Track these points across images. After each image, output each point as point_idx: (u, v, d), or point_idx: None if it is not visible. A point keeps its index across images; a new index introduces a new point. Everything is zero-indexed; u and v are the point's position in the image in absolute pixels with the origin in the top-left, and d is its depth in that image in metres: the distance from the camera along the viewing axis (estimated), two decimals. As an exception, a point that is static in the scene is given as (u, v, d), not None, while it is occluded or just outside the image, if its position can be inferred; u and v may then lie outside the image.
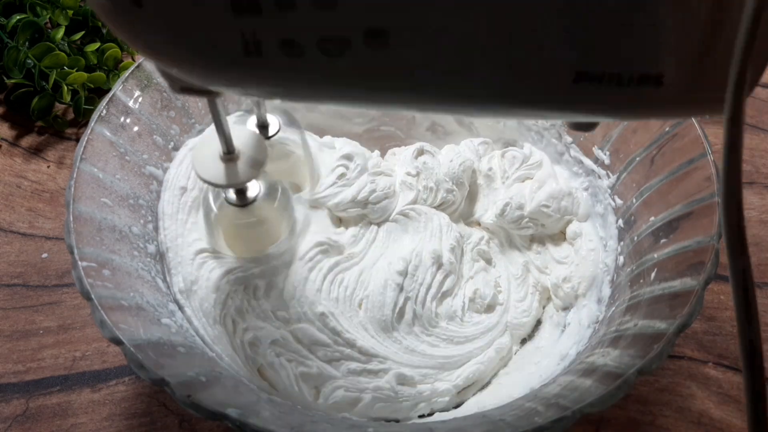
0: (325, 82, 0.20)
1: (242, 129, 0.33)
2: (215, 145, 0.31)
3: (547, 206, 0.44)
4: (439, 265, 0.41)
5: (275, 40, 0.19)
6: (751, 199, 0.52)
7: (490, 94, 0.20)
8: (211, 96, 0.26)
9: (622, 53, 0.18)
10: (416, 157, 0.46)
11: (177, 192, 0.39)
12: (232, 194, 0.35)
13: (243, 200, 0.35)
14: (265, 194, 0.35)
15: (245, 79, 0.21)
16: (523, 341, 0.43)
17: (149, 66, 0.40)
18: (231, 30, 0.19)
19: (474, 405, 0.38)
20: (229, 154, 0.31)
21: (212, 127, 0.31)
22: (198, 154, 0.32)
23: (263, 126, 0.37)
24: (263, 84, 0.22)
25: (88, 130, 0.36)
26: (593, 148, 0.44)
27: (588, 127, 0.25)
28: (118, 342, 0.28)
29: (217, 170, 0.31)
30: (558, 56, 0.18)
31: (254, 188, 0.35)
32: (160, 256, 0.38)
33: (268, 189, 0.36)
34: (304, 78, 0.20)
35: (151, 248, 0.37)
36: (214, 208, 0.36)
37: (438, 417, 0.37)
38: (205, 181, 0.31)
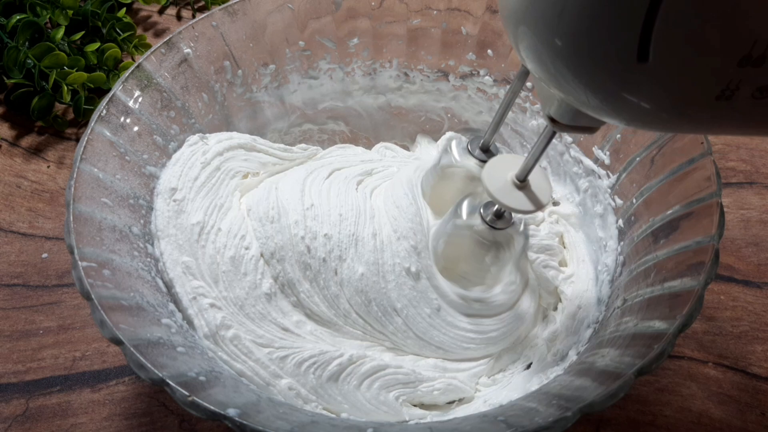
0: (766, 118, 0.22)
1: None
2: (508, 171, 0.34)
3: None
4: None
5: (754, 86, 0.20)
6: (751, 199, 0.52)
7: None
8: (591, 132, 0.29)
9: None
10: None
11: (167, 195, 0.39)
12: (491, 213, 0.38)
13: (498, 223, 0.38)
14: (514, 229, 0.38)
15: (703, 122, 0.23)
16: None
17: (149, 66, 0.40)
18: (722, 79, 0.20)
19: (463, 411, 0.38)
20: (523, 181, 0.34)
21: (507, 155, 0.36)
22: (490, 177, 0.34)
23: (486, 150, 0.40)
24: (719, 125, 0.23)
25: (88, 130, 0.36)
26: (593, 148, 0.44)
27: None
28: (118, 342, 0.28)
29: (514, 195, 0.34)
30: None
31: (508, 218, 0.38)
32: (167, 287, 0.37)
33: (516, 228, 0.39)
34: (757, 116, 0.22)
35: (151, 248, 0.37)
36: (464, 217, 0.39)
37: (438, 417, 0.37)
38: (499, 202, 0.34)
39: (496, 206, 0.37)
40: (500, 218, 0.37)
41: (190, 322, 0.36)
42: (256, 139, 0.46)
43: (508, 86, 0.44)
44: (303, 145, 0.48)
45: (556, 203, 0.48)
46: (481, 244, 0.39)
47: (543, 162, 0.48)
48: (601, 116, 0.25)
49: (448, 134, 0.48)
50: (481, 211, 0.38)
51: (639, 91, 0.21)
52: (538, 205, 0.34)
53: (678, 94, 0.21)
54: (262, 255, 0.39)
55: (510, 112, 0.49)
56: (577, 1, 0.20)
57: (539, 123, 0.47)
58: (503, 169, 0.34)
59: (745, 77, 0.20)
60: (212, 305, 0.36)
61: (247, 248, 0.39)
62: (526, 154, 0.33)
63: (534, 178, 0.34)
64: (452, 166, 0.42)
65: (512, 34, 0.24)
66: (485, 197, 0.38)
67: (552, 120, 0.28)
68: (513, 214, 0.38)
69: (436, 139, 0.52)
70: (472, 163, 0.41)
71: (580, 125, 0.27)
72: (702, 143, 0.36)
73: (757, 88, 0.20)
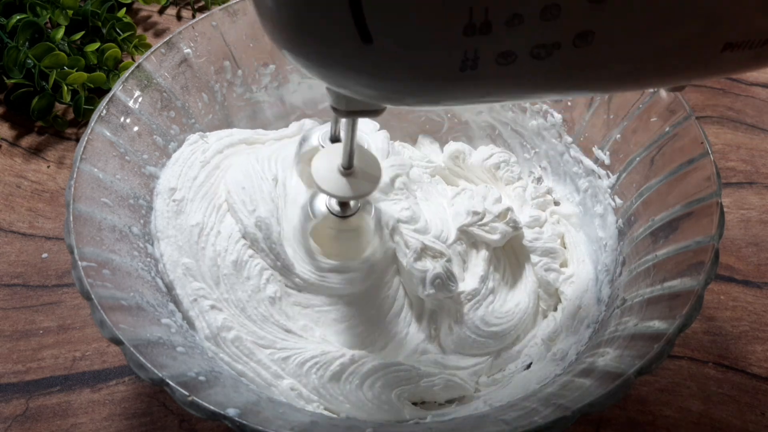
0: (527, 83, 0.22)
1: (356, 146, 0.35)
2: (334, 160, 0.34)
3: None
4: None
5: (494, 54, 0.20)
6: (751, 199, 0.52)
7: (662, 68, 0.23)
8: (375, 115, 0.28)
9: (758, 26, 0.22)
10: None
11: (166, 196, 0.39)
12: (335, 205, 0.37)
13: (345, 211, 0.37)
14: (361, 207, 0.38)
15: (454, 93, 0.23)
16: None
17: (149, 66, 0.40)
18: (455, 50, 0.20)
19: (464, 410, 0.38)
20: (349, 168, 0.34)
21: (332, 145, 0.35)
22: (317, 168, 0.34)
23: (336, 140, 0.39)
24: (471, 94, 0.23)
25: (88, 130, 0.36)
26: (593, 148, 0.44)
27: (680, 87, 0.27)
28: (118, 342, 0.28)
29: (339, 183, 0.34)
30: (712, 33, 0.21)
31: (354, 201, 0.37)
32: (167, 288, 0.37)
33: (363, 203, 0.38)
34: (510, 83, 0.22)
35: (151, 248, 0.37)
36: (313, 217, 0.38)
37: (438, 417, 0.37)
38: (329, 194, 0.34)
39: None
40: (346, 206, 0.37)
41: (191, 324, 0.36)
42: (258, 131, 0.46)
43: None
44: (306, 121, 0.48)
45: (556, 203, 0.48)
46: (338, 233, 0.39)
47: (543, 162, 0.48)
48: (364, 99, 0.25)
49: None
50: (327, 203, 0.38)
51: (381, 73, 0.21)
52: (364, 191, 0.34)
53: (419, 71, 0.21)
54: (243, 237, 0.39)
55: (510, 112, 0.49)
56: None
57: (539, 123, 0.47)
58: (332, 159, 0.34)
59: (479, 45, 0.20)
60: (213, 307, 0.36)
61: (251, 256, 0.39)
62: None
63: (363, 166, 0.34)
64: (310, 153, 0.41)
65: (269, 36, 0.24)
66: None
67: (333, 108, 0.28)
68: (358, 203, 0.38)
69: (436, 139, 0.52)
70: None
71: (358, 109, 0.27)
72: (702, 143, 0.36)
73: (498, 54, 0.20)
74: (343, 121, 0.31)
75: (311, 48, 0.21)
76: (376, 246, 0.40)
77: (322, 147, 0.39)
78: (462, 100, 0.26)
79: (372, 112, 0.28)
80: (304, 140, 0.40)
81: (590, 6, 0.19)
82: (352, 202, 0.37)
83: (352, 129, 0.31)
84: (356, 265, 0.39)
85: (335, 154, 0.34)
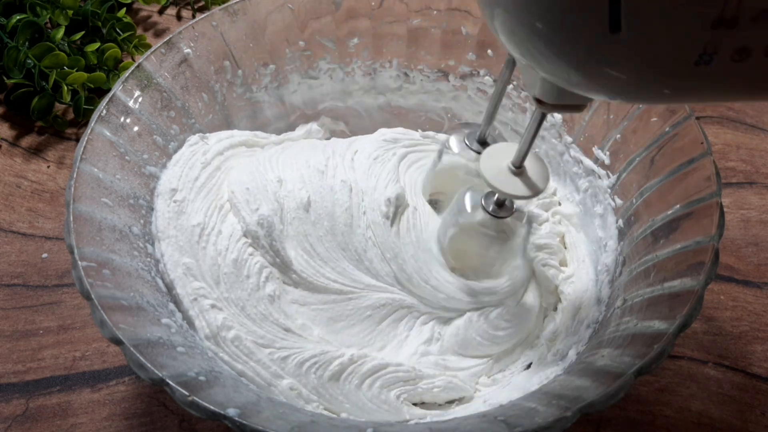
0: (759, 82, 0.22)
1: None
2: (503, 159, 0.34)
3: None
4: None
5: (731, 49, 0.20)
6: (751, 199, 0.52)
7: None
8: (579, 111, 0.28)
9: None
10: None
11: (167, 197, 0.39)
12: (492, 203, 0.37)
13: (501, 212, 0.38)
14: (517, 217, 0.38)
15: (683, 89, 0.22)
16: None
17: (149, 66, 0.40)
18: (697, 43, 0.20)
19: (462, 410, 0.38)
20: (519, 168, 0.34)
21: (501, 144, 0.36)
22: (487, 167, 0.34)
23: (484, 142, 0.40)
24: (700, 91, 0.23)
25: (88, 130, 0.36)
26: (593, 148, 0.44)
27: None
28: (118, 342, 0.28)
29: (512, 182, 0.34)
30: None
31: (510, 207, 0.38)
32: (167, 289, 0.37)
33: (519, 216, 0.38)
34: (739, 81, 0.22)
35: (151, 248, 0.37)
36: (468, 209, 0.38)
37: (438, 417, 0.37)
38: (496, 189, 0.34)
39: (497, 195, 0.37)
40: (502, 207, 0.38)
41: (191, 323, 0.36)
42: (257, 134, 0.46)
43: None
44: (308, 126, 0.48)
45: (557, 203, 0.48)
46: (485, 236, 0.39)
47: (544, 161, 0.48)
48: (583, 91, 0.25)
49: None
50: (483, 201, 0.38)
51: (616, 63, 0.21)
52: (536, 191, 0.34)
53: (656, 63, 0.21)
54: (244, 234, 0.39)
55: (510, 113, 0.49)
56: None
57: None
58: (500, 157, 0.34)
59: (721, 40, 0.19)
60: (213, 306, 0.36)
61: (251, 254, 0.39)
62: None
63: (531, 165, 0.34)
64: (453, 162, 0.42)
65: (489, 17, 0.24)
66: (485, 188, 0.38)
67: (538, 101, 0.28)
68: (515, 203, 0.38)
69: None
70: (471, 156, 0.42)
71: (566, 103, 0.28)
72: (702, 143, 0.36)
73: (735, 50, 0.20)
74: (530, 116, 0.32)
75: (560, 34, 0.21)
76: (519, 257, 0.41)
77: (456, 154, 0.40)
78: (688, 96, 0.26)
79: (576, 107, 0.28)
80: (443, 152, 0.41)
81: None
82: (508, 203, 0.38)
83: (537, 126, 0.31)
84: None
85: (504, 152, 0.34)
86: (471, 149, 0.41)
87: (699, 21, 0.19)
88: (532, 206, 0.46)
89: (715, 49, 0.20)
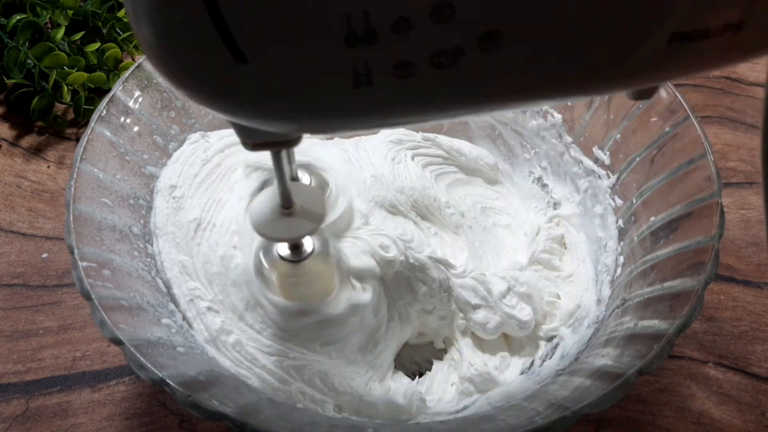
0: (435, 97, 0.20)
1: (296, 183, 0.32)
2: (272, 200, 0.31)
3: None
4: None
5: (388, 65, 0.18)
6: (751, 199, 0.52)
7: (594, 72, 0.20)
8: (287, 147, 0.25)
9: (711, 11, 0.19)
10: None
11: (166, 193, 0.39)
12: (286, 249, 0.34)
13: (298, 255, 0.34)
14: (319, 249, 0.34)
15: (352, 114, 0.21)
16: None
17: (149, 66, 0.40)
18: (343, 64, 0.18)
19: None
20: (288, 208, 0.31)
21: (270, 186, 0.31)
22: (254, 211, 0.31)
23: (294, 179, 0.36)
24: (372, 114, 0.21)
25: (88, 130, 0.36)
26: (593, 148, 0.44)
27: (648, 93, 0.24)
28: (118, 342, 0.28)
29: (276, 225, 0.31)
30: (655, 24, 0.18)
31: (308, 243, 0.34)
32: (166, 287, 0.36)
33: (321, 243, 0.35)
34: (414, 98, 0.20)
35: (151, 248, 0.37)
36: (266, 264, 0.35)
37: (438, 417, 0.37)
38: (266, 237, 0.31)
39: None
40: (297, 248, 0.34)
41: (190, 325, 0.36)
42: None
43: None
44: None
45: (556, 204, 0.48)
46: (301, 282, 0.36)
47: (543, 162, 0.48)
48: (263, 127, 0.22)
49: (444, 138, 0.49)
50: (278, 252, 0.34)
51: (266, 96, 0.19)
52: (316, 221, 0.31)
53: (307, 90, 0.19)
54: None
55: (510, 113, 0.49)
56: (146, 8, 0.17)
57: (539, 123, 0.47)
58: (269, 202, 0.31)
59: (368, 57, 0.18)
60: (209, 309, 0.36)
61: (234, 247, 0.37)
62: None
63: (302, 196, 0.31)
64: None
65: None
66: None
67: (243, 143, 0.25)
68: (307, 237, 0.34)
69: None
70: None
71: (265, 141, 0.24)
72: (702, 143, 0.36)
73: (394, 65, 0.18)
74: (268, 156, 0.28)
75: (180, 68, 0.19)
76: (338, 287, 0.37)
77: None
78: (363, 122, 0.23)
79: (283, 144, 0.25)
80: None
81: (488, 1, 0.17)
82: (305, 245, 0.34)
83: (278, 164, 0.28)
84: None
85: (273, 194, 0.31)
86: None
87: (329, 41, 0.17)
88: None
89: (368, 68, 0.18)
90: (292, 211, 0.31)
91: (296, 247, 0.34)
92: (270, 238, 0.32)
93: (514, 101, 0.22)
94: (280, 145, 0.25)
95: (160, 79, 0.41)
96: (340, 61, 0.18)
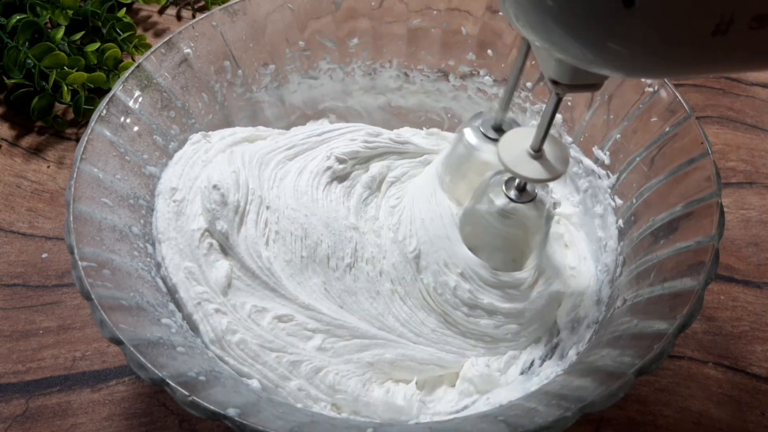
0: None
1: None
2: (523, 144, 0.34)
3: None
4: None
5: (748, 16, 0.19)
6: (751, 199, 0.52)
7: None
8: (594, 89, 0.28)
9: None
10: None
11: (167, 196, 0.39)
12: (513, 188, 0.38)
13: (522, 197, 0.37)
14: (538, 206, 0.38)
15: (702, 60, 0.22)
16: None
17: (149, 66, 0.40)
18: (713, 13, 0.19)
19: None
20: (538, 151, 0.34)
21: (519, 129, 0.36)
22: (505, 153, 0.34)
23: (499, 129, 0.40)
24: (720, 61, 0.23)
25: (88, 130, 0.36)
26: (593, 148, 0.44)
27: None
28: (118, 342, 0.28)
29: (532, 166, 0.34)
30: None
31: (531, 191, 0.38)
32: (169, 292, 0.37)
33: (541, 204, 0.38)
34: (760, 48, 0.21)
35: (151, 249, 0.37)
36: (488, 197, 0.38)
37: (438, 417, 0.37)
38: (524, 177, 0.34)
39: (517, 181, 0.37)
40: (523, 192, 0.37)
41: (194, 328, 0.36)
42: (259, 128, 0.45)
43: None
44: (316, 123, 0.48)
45: (556, 203, 0.48)
46: (508, 223, 0.39)
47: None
48: (599, 69, 0.25)
49: (448, 134, 0.49)
50: (503, 188, 0.38)
51: (632, 39, 0.21)
52: (555, 173, 0.34)
53: (672, 36, 0.21)
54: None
55: (510, 113, 0.49)
56: None
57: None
58: (518, 141, 0.34)
59: (737, 8, 0.19)
60: (217, 311, 0.36)
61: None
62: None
63: (550, 149, 0.34)
64: (470, 154, 0.41)
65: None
66: (506, 175, 0.38)
67: (554, 82, 0.28)
68: (536, 190, 0.38)
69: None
70: (490, 146, 0.41)
71: (582, 83, 0.27)
72: (702, 143, 0.36)
73: (752, 18, 0.20)
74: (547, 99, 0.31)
75: (572, 11, 0.21)
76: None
77: (474, 147, 0.40)
78: (705, 68, 0.26)
79: (592, 86, 0.28)
80: (461, 145, 0.41)
81: None
82: (529, 189, 0.37)
83: (554, 109, 0.31)
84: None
85: (522, 137, 0.34)
86: (488, 137, 0.41)
87: None
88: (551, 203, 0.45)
89: (732, 18, 0.19)
90: (540, 156, 0.34)
91: (522, 190, 0.38)
92: (518, 175, 0.34)
93: None
94: (590, 88, 0.28)
95: (161, 79, 0.41)
96: (713, 11, 0.19)
